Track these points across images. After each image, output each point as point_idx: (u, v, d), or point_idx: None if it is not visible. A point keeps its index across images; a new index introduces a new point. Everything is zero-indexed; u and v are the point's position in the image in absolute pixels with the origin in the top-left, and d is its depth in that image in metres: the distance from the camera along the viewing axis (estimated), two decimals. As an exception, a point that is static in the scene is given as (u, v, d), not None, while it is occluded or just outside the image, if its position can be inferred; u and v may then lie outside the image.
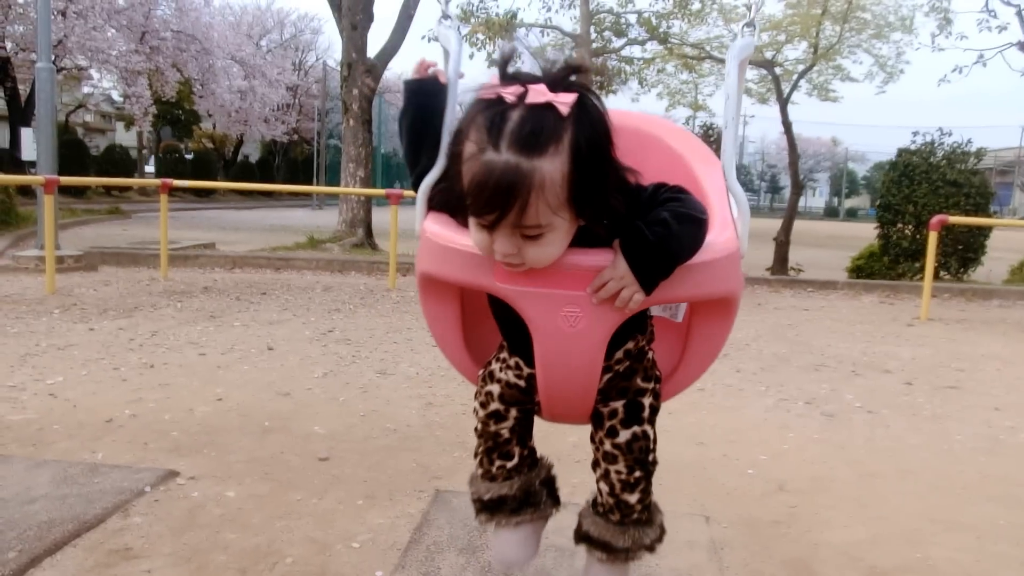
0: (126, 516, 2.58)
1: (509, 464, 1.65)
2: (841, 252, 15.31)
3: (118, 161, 29.07)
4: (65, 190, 20.70)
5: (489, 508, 1.67)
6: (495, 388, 1.58)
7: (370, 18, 12.49)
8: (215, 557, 2.34)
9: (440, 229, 1.42)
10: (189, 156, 36.44)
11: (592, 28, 14.18)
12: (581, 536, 1.68)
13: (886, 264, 11.05)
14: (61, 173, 9.12)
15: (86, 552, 2.33)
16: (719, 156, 1.63)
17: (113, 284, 7.85)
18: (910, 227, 10.98)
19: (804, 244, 17.70)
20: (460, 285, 1.47)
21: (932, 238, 8.03)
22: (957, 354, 6.05)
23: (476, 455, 1.68)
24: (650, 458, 1.57)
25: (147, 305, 6.64)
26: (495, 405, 1.59)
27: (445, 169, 1.42)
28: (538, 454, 1.75)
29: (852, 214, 59.29)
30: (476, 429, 1.66)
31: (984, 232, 11.03)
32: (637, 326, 1.49)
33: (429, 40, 13.62)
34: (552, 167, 1.21)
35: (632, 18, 15.09)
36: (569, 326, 1.34)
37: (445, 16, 1.64)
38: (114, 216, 19.02)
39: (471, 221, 1.30)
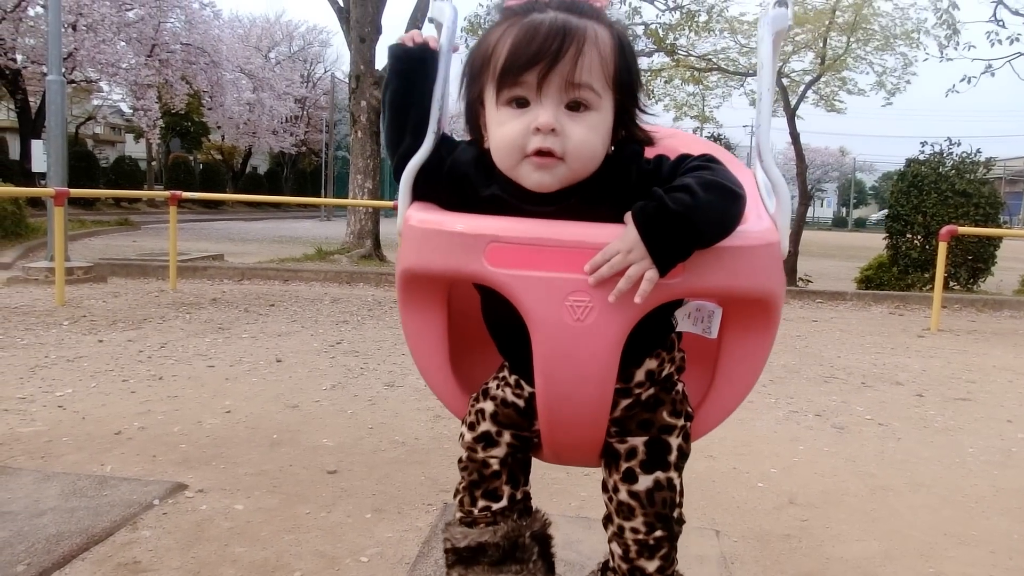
0: (135, 529, 2.57)
1: (495, 506, 1.37)
2: (850, 263, 15.28)
3: (128, 173, 29.30)
4: (75, 201, 20.82)
5: (464, 560, 1.37)
6: (488, 406, 1.36)
7: (378, 30, 12.55)
8: (223, 571, 2.34)
9: (426, 215, 1.21)
10: (199, 167, 36.61)
11: (599, 39, 14.18)
12: None
13: (895, 275, 11.00)
14: (71, 185, 9.17)
15: (95, 565, 2.32)
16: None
17: (122, 295, 7.87)
18: (919, 237, 10.94)
19: (812, 255, 17.67)
20: (448, 275, 1.22)
21: (942, 248, 8.00)
22: (968, 365, 6.01)
23: (456, 494, 1.43)
24: (675, 514, 1.30)
25: (156, 317, 6.65)
26: (486, 426, 1.37)
27: (438, 146, 1.25)
28: (532, 504, 1.45)
29: (860, 224, 59.15)
30: (460, 460, 1.42)
31: (994, 242, 10.98)
32: (659, 339, 1.27)
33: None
34: (603, 33, 1.13)
35: (639, 30, 15.10)
36: (575, 319, 1.10)
37: None
38: (123, 228, 19.12)
39: (500, 114, 1.14)
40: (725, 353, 1.32)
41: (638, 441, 1.28)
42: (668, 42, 14.46)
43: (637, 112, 1.21)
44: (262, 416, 3.92)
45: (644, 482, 1.26)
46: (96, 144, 44.58)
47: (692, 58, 14.64)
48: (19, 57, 20.72)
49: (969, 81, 12.17)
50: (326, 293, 8.80)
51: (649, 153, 1.24)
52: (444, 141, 1.27)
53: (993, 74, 12.05)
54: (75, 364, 4.83)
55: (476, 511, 1.38)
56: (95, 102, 31.01)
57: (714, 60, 14.36)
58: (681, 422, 1.30)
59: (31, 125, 21.93)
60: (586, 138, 1.11)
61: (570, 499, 3.01)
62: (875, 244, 12.86)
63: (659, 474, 1.27)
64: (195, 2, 24.31)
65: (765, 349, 1.31)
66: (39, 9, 19.45)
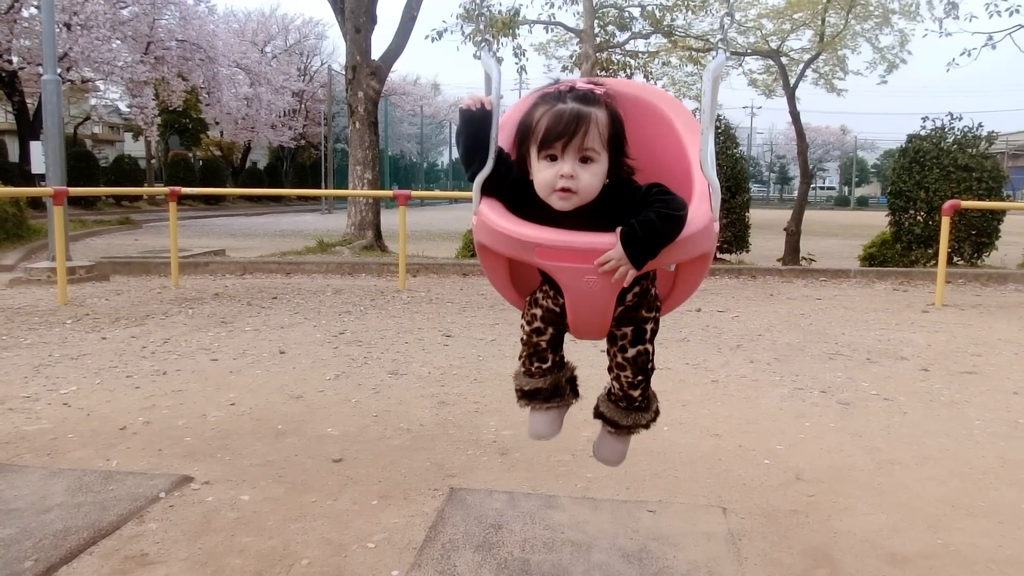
0: (141, 522, 2.58)
1: (544, 365, 2.10)
2: (853, 241, 15.23)
3: (127, 171, 29.21)
4: (75, 201, 20.81)
5: (527, 396, 2.14)
6: (538, 311, 2.02)
7: (373, 21, 12.49)
8: (231, 561, 2.34)
9: (494, 215, 1.83)
10: (199, 164, 36.59)
11: (596, 23, 14.11)
12: (597, 414, 2.16)
13: (899, 251, 10.96)
14: (70, 185, 9.16)
15: (102, 559, 2.33)
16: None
17: (125, 293, 7.87)
18: (922, 213, 10.88)
19: (815, 234, 17.61)
20: (511, 257, 1.88)
21: (945, 223, 7.97)
22: (973, 339, 5.99)
23: (520, 358, 2.13)
24: (649, 366, 2.03)
25: (159, 313, 6.66)
26: (537, 323, 2.04)
27: (497, 164, 1.89)
28: (565, 360, 2.17)
29: (863, 203, 58.93)
30: (522, 339, 2.10)
31: (997, 216, 10.92)
32: (643, 275, 1.89)
33: (432, 40, 13.66)
34: (600, 114, 1.81)
35: (636, 11, 15.03)
36: (588, 288, 1.79)
37: (486, 43, 2.10)
38: (124, 226, 19.12)
39: (539, 164, 1.80)
40: (679, 274, 2.01)
41: (627, 329, 1.97)
42: (665, 23, 14.39)
43: (623, 158, 1.88)
44: (266, 407, 3.92)
45: (631, 352, 1.99)
46: (95, 144, 44.51)
47: (689, 38, 14.57)
48: (15, 59, 20.65)
49: (969, 54, 12.08)
50: (328, 285, 8.80)
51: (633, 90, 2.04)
52: (500, 159, 1.89)
53: (994, 47, 11.94)
54: (79, 362, 4.84)
55: (533, 368, 2.11)
56: (92, 102, 30.93)
57: (711, 40, 14.28)
58: (653, 314, 1.99)
59: (29, 127, 21.88)
60: (591, 181, 1.78)
61: (576, 480, 3.01)
62: (878, 222, 12.81)
63: (639, 346, 1.99)
64: (189, -2, 24.21)
65: (703, 270, 1.97)
66: (33, 10, 19.38)
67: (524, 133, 1.88)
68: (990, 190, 10.71)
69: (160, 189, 13.43)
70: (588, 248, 1.75)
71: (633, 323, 1.98)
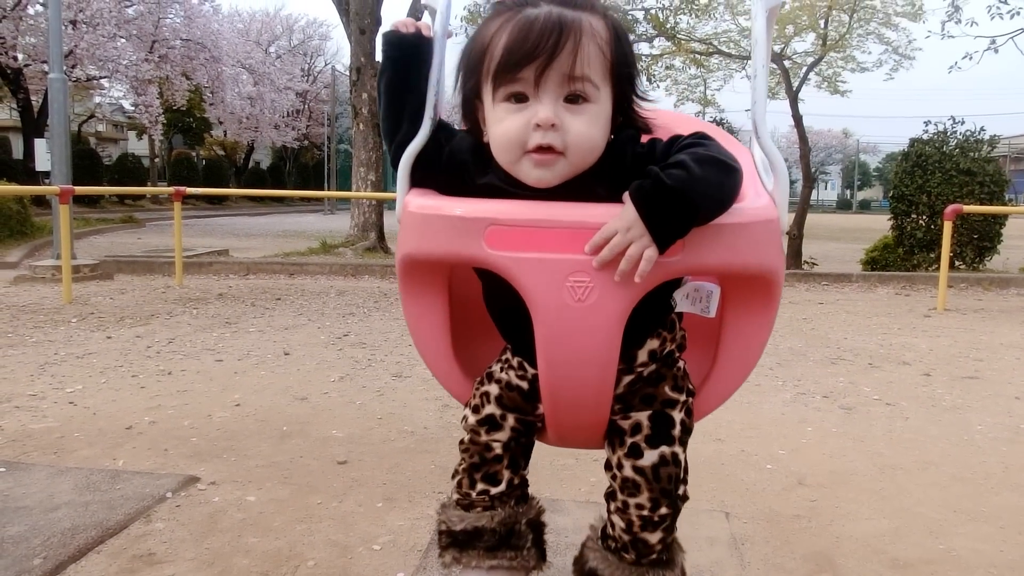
0: (148, 522, 2.59)
1: (494, 490, 1.37)
2: (855, 245, 15.24)
3: (131, 170, 29.31)
4: (79, 200, 20.89)
5: (459, 543, 1.38)
6: (493, 389, 1.36)
7: (377, 22, 12.52)
8: (237, 561, 2.36)
9: (425, 200, 1.22)
10: (202, 163, 36.65)
11: (599, 26, 14.12)
12: (585, 572, 1.41)
13: (901, 255, 10.97)
14: (75, 183, 9.19)
15: (110, 558, 2.34)
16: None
17: (129, 292, 7.90)
18: (924, 217, 10.90)
19: (817, 237, 17.64)
20: (448, 259, 1.23)
21: (947, 228, 7.98)
22: (975, 344, 6.00)
23: (454, 475, 1.43)
24: (680, 491, 1.31)
25: (163, 312, 6.68)
26: (491, 409, 1.36)
27: (436, 131, 1.25)
28: (529, 490, 1.48)
29: (865, 206, 58.94)
30: (462, 442, 1.42)
31: (999, 220, 10.94)
32: (660, 319, 1.27)
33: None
34: (598, 24, 1.13)
35: (639, 14, 15.05)
36: (576, 300, 1.09)
37: None
38: (128, 225, 19.17)
39: (498, 109, 1.14)
40: (726, 333, 1.31)
41: (642, 416, 1.27)
42: (668, 26, 14.40)
43: (635, 99, 1.22)
44: (271, 409, 3.94)
45: (650, 457, 1.26)
46: (99, 142, 44.65)
47: (693, 42, 14.58)
48: (20, 56, 20.72)
49: (971, 58, 12.10)
50: (332, 286, 8.82)
51: (646, 137, 1.24)
52: (442, 128, 1.27)
53: (996, 51, 11.97)
54: (84, 361, 4.86)
55: (474, 494, 1.37)
56: (97, 99, 31.02)
57: (715, 43, 14.31)
58: (683, 397, 1.30)
59: (34, 124, 21.96)
60: (586, 131, 1.11)
61: (580, 484, 3.02)
62: (880, 226, 12.83)
63: (664, 449, 1.26)
64: (194, -3, 24.29)
65: (766, 328, 1.30)
66: (39, 7, 19.45)
67: (472, 61, 1.19)
68: (992, 194, 10.72)
69: (165, 189, 13.46)
70: (576, 225, 1.10)
71: (651, 406, 1.27)
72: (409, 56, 1.24)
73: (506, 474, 1.37)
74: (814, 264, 11.34)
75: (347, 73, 13.99)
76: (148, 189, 23.76)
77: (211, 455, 3.25)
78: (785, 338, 6.07)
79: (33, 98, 23.07)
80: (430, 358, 1.39)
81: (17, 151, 28.40)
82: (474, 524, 1.35)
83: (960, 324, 6.98)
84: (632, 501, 1.27)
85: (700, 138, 1.14)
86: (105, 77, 23.17)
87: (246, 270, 9.80)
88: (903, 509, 2.86)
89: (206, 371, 4.67)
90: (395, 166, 1.27)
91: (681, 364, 1.33)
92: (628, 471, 1.27)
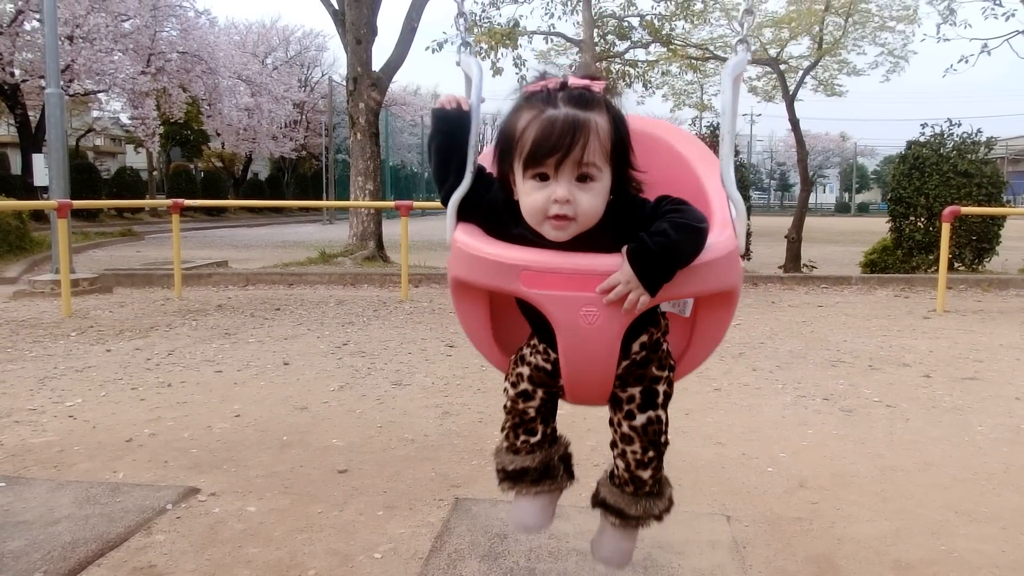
0: (149, 534, 2.59)
1: (532, 440, 1.80)
2: (854, 248, 15.25)
3: (129, 183, 29.30)
4: (78, 214, 20.88)
5: (512, 478, 1.83)
6: (525, 370, 1.74)
7: (374, 32, 12.55)
8: (238, 572, 2.35)
9: (472, 240, 1.58)
10: (200, 175, 36.71)
11: (595, 32, 14.17)
12: (598, 502, 1.84)
13: (900, 257, 10.98)
14: (73, 197, 9.20)
15: (110, 571, 2.34)
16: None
17: (128, 305, 7.90)
18: (922, 219, 10.90)
19: (816, 241, 17.63)
20: (490, 288, 1.61)
21: (945, 229, 7.99)
22: (975, 345, 6.00)
23: (503, 429, 1.84)
24: (663, 439, 1.73)
25: (163, 325, 6.68)
26: (524, 385, 1.75)
27: (476, 179, 1.64)
28: (558, 433, 1.89)
29: (863, 209, 59.00)
30: (505, 406, 1.81)
31: (998, 222, 10.94)
32: (651, 320, 1.65)
33: (433, 51, 13.71)
34: (601, 120, 1.49)
35: (635, 21, 15.10)
36: (587, 324, 1.49)
37: (465, 44, 1.83)
38: (127, 238, 19.17)
39: (527, 185, 1.50)
40: (698, 324, 1.74)
41: (635, 390, 1.68)
42: (664, 32, 14.45)
43: (629, 170, 1.57)
44: (271, 419, 3.94)
45: (640, 419, 1.68)
46: (97, 156, 44.70)
47: (689, 47, 14.63)
48: (17, 72, 20.75)
49: (967, 60, 12.13)
50: (331, 295, 8.82)
51: (643, 126, 1.67)
52: (481, 175, 1.64)
53: (989, 53, 12.00)
54: (84, 374, 4.86)
55: (519, 443, 1.81)
56: (94, 114, 31.07)
57: (710, 48, 14.35)
58: (666, 373, 1.71)
59: (32, 139, 21.98)
60: (591, 203, 1.48)
61: (581, 490, 3.01)
62: (879, 228, 12.84)
63: (651, 412, 1.69)
64: (191, 10, 24.32)
65: (728, 319, 1.70)
66: (35, 23, 19.48)
67: (506, 145, 1.55)
68: (990, 196, 10.72)
69: (163, 201, 13.48)
70: (588, 271, 1.47)
71: (642, 382, 1.67)
72: (453, 124, 1.63)
73: (540, 427, 1.80)
74: (813, 267, 11.34)
75: (344, 83, 14.02)
76: (146, 202, 23.78)
77: (211, 466, 3.25)
78: (785, 341, 6.07)
79: (31, 113, 23.09)
80: (477, 343, 1.78)
81: (15, 167, 28.44)
82: (521, 464, 1.81)
83: (960, 325, 6.98)
84: (628, 448, 1.71)
85: (678, 204, 1.50)
86: (102, 91, 23.20)
87: (245, 281, 9.80)
88: (904, 511, 2.86)
89: (206, 382, 4.66)
90: (445, 204, 1.65)
91: (665, 347, 1.72)
92: (625, 428, 1.70)
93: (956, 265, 10.70)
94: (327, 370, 5.01)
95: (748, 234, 11.05)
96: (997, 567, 2.44)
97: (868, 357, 5.51)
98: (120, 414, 4.00)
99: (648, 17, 14.71)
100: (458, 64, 1.80)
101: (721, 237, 1.54)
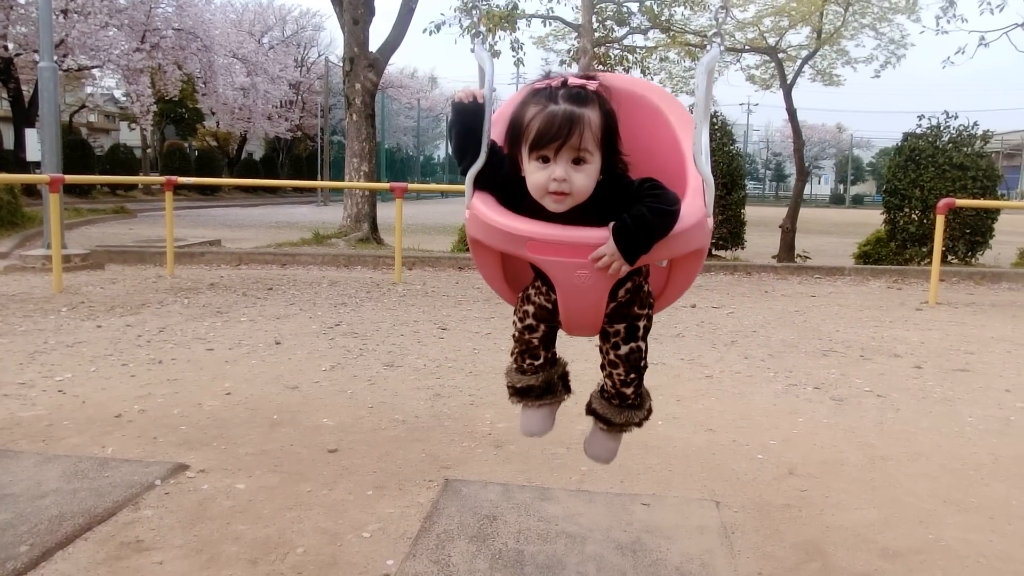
0: (137, 509, 2.58)
1: (536, 362, 2.09)
2: (848, 239, 15.27)
3: (123, 161, 29.11)
4: (70, 190, 20.76)
5: (519, 393, 2.13)
6: (530, 308, 2.01)
7: (371, 12, 12.45)
8: (226, 548, 2.35)
9: (488, 211, 1.83)
10: (194, 154, 36.49)
11: (594, 17, 14.08)
12: (589, 411, 2.13)
13: (893, 249, 10.99)
14: (66, 173, 9.12)
15: (97, 545, 2.33)
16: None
17: (120, 282, 7.86)
18: (917, 212, 10.91)
19: (810, 231, 17.66)
20: (502, 251, 1.87)
21: (939, 222, 7.99)
22: (966, 337, 6.02)
23: (512, 354, 2.12)
24: (642, 364, 2.01)
25: (154, 302, 6.65)
26: (530, 320, 2.02)
27: (489, 158, 1.88)
28: (557, 356, 2.15)
29: (858, 201, 59.04)
30: (513, 336, 2.09)
31: (992, 215, 10.95)
32: (635, 270, 1.88)
33: (430, 33, 13.61)
34: (593, 115, 1.78)
35: (634, 7, 15.01)
36: (581, 282, 1.77)
37: (477, 34, 2.14)
38: (120, 215, 19.07)
39: (531, 165, 1.79)
40: (673, 270, 2.00)
41: (620, 326, 1.95)
42: (663, 18, 14.38)
43: (616, 155, 1.85)
44: (262, 397, 3.93)
45: (624, 349, 1.97)
46: (90, 132, 44.34)
47: (688, 34, 14.56)
48: (10, 45, 20.55)
49: (964, 52, 12.11)
50: (324, 276, 8.80)
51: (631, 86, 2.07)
52: (494, 152, 1.88)
53: (987, 45, 11.98)
54: (74, 349, 4.83)
55: (525, 365, 2.10)
56: (88, 90, 30.82)
57: (709, 35, 14.27)
58: (646, 311, 1.97)
59: (25, 114, 21.82)
60: (584, 182, 1.77)
61: (571, 473, 3.02)
62: (873, 220, 12.85)
63: (632, 344, 1.97)
64: (186, -13, 24.09)
65: (698, 267, 1.96)
66: (30, -4, 19.28)
67: (515, 132, 1.86)
68: (985, 189, 10.74)
69: (156, 179, 13.40)
70: (580, 242, 1.74)
71: (626, 320, 1.96)
72: (469, 114, 1.88)
73: (543, 353, 2.08)
74: (807, 258, 11.35)
75: (340, 64, 13.92)
76: (140, 179, 23.63)
77: (201, 443, 3.24)
78: (777, 330, 6.08)
79: (24, 88, 22.89)
80: (490, 283, 2.05)
81: (8, 141, 28.21)
82: (527, 383, 2.11)
83: (951, 317, 7.00)
84: (615, 372, 2.02)
85: (656, 187, 1.76)
86: (96, 66, 23.01)
87: (238, 260, 9.76)
88: (893, 499, 2.87)
89: (197, 360, 4.65)
90: (463, 176, 1.91)
91: (645, 287, 1.97)
92: (612, 356, 1.99)
93: (949, 258, 10.72)
94: (319, 350, 5.00)
95: (742, 223, 11.12)
96: (984, 556, 2.45)
97: (860, 347, 5.52)
98: (110, 390, 3.98)
99: (647, 3, 14.63)
100: (472, 51, 2.03)
101: (691, 207, 1.79)
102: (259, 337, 5.33)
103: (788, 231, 11.66)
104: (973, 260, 11.01)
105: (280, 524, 2.52)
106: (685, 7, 14.30)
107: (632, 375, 2.03)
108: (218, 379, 4.24)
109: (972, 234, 10.91)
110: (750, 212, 11.94)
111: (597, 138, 1.78)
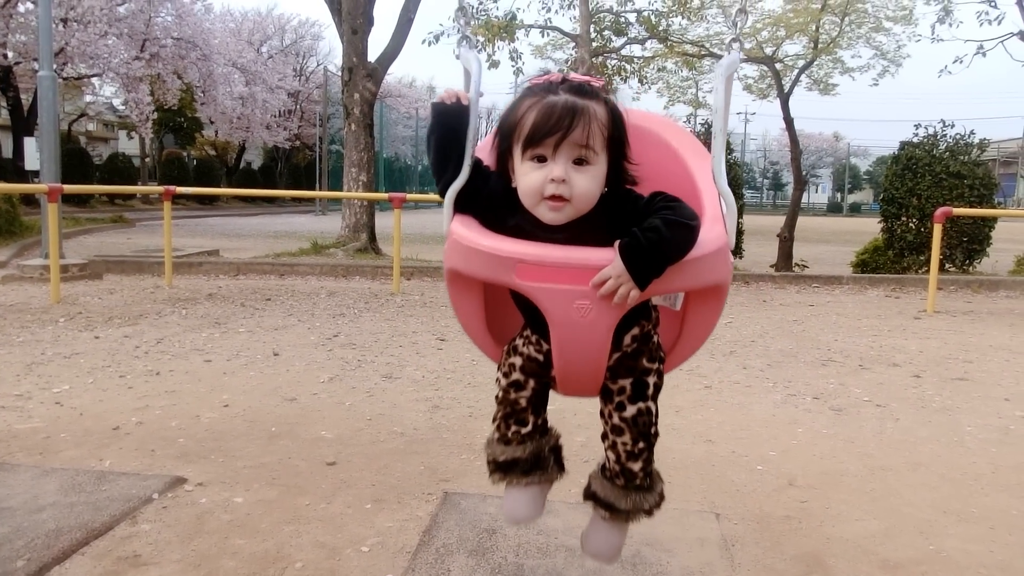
0: (134, 523, 2.57)
1: (523, 430, 1.81)
2: (845, 247, 15.29)
3: (121, 170, 29.15)
4: (69, 199, 20.77)
5: (502, 468, 1.84)
6: (517, 360, 1.75)
7: (370, 22, 12.48)
8: (224, 563, 2.34)
9: (468, 232, 1.58)
10: (193, 163, 36.52)
11: (592, 28, 14.13)
12: (589, 495, 1.84)
13: (891, 258, 11.00)
14: (64, 182, 9.13)
15: (94, 560, 2.32)
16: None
17: (118, 292, 7.85)
18: (914, 220, 10.93)
19: (808, 240, 17.69)
20: (486, 280, 1.61)
21: (936, 230, 8.01)
22: (965, 346, 6.02)
23: (495, 420, 1.84)
24: (653, 431, 1.74)
25: (152, 313, 6.64)
26: (516, 375, 1.76)
27: (472, 173, 1.65)
28: (549, 424, 1.90)
29: (855, 209, 59.16)
30: (497, 396, 1.82)
31: (989, 223, 10.98)
32: (643, 313, 1.67)
33: (429, 44, 13.66)
34: (599, 108, 1.53)
35: (632, 17, 15.06)
36: (580, 317, 1.50)
37: (465, 38, 1.84)
38: (118, 225, 19.07)
39: (525, 166, 1.53)
40: (688, 317, 1.75)
41: (626, 382, 1.68)
42: (661, 28, 14.43)
43: (625, 162, 1.61)
44: (260, 409, 3.92)
45: (631, 410, 1.69)
46: (89, 141, 44.40)
47: (685, 44, 14.61)
48: (10, 54, 20.59)
49: (961, 62, 12.17)
50: (322, 287, 8.79)
51: (637, 119, 1.73)
52: (477, 169, 1.65)
53: (984, 55, 12.03)
54: (72, 361, 4.82)
55: (510, 433, 1.82)
56: (87, 98, 30.86)
57: (706, 45, 14.34)
58: (656, 365, 1.71)
59: (23, 123, 21.86)
60: (587, 186, 1.51)
61: (570, 486, 3.00)
62: (871, 228, 12.87)
63: (640, 404, 1.69)
64: (185, -4, 24.17)
65: (717, 312, 1.70)
66: (29, 5, 19.33)
67: (507, 130, 1.59)
68: (982, 197, 10.76)
69: (155, 188, 13.40)
70: (581, 265, 1.48)
71: (632, 374, 1.68)
72: (452, 118, 1.64)
73: (531, 418, 1.81)
74: (805, 266, 11.36)
75: (339, 73, 13.95)
76: (138, 188, 23.59)
77: (199, 456, 3.23)
78: (775, 340, 6.08)
79: (23, 96, 22.92)
80: (471, 334, 1.79)
81: (7, 150, 28.22)
82: (512, 455, 1.81)
83: (950, 326, 7.00)
84: (619, 440, 1.72)
85: (670, 200, 1.51)
86: (96, 75, 23.06)
87: (236, 270, 9.76)
88: (893, 510, 2.86)
89: (195, 371, 4.64)
90: (442, 197, 1.65)
91: (655, 339, 1.71)
92: (616, 420, 1.70)
93: (947, 266, 10.74)
94: (317, 361, 4.99)
95: (740, 232, 11.14)
96: (985, 567, 2.44)
97: (858, 357, 5.51)
98: (108, 401, 3.97)
99: (645, 13, 14.68)
100: (457, 58, 1.82)
101: (711, 233, 1.55)
102: (257, 348, 5.32)
103: (786, 240, 11.68)
104: (971, 268, 11.03)
105: (278, 538, 2.51)
106: (682, 17, 14.34)
107: (640, 444, 1.72)
108: (216, 391, 4.23)
109: (969, 242, 10.94)
110: (748, 221, 11.96)
111: (603, 136, 1.53)
